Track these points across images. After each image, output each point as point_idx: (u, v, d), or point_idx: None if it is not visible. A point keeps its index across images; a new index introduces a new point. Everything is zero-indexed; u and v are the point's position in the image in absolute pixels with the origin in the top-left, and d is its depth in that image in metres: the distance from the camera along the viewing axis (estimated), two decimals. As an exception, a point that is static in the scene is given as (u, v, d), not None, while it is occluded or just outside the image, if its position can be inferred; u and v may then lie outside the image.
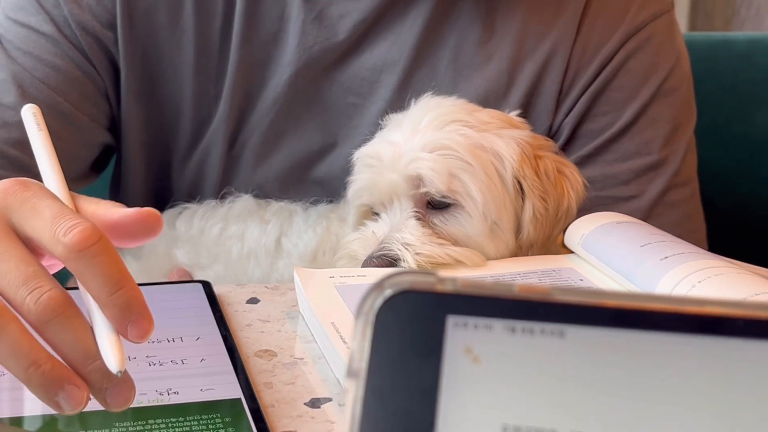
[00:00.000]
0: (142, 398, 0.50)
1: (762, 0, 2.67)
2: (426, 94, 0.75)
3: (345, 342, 0.54)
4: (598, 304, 0.25)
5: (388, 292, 0.25)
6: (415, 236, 0.68)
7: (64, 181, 0.48)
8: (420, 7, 0.82)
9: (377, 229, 0.70)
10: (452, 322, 0.25)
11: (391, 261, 0.68)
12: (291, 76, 0.83)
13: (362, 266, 0.68)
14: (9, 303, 0.42)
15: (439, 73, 0.83)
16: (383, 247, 0.68)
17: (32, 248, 0.44)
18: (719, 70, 1.16)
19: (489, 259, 0.70)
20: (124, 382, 0.42)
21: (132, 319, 0.42)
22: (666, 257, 0.60)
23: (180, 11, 0.82)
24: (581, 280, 0.66)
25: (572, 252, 0.70)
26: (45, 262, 0.45)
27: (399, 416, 0.24)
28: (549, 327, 0.25)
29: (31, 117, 0.50)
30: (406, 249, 0.68)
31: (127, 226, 0.45)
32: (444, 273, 0.25)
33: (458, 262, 0.68)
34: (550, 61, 0.83)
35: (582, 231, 0.68)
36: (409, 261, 0.67)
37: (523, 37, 0.83)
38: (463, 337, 0.25)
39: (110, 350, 0.42)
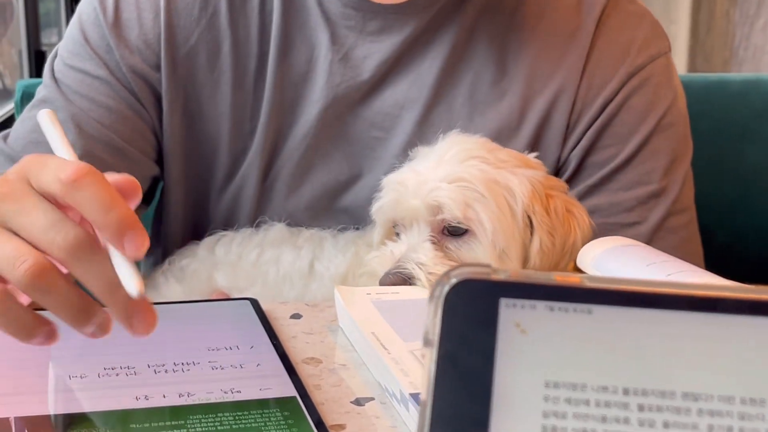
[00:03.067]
0: (210, 396, 0.56)
1: (759, 42, 2.73)
2: (453, 131, 0.83)
3: (385, 348, 0.61)
4: (618, 289, 0.32)
5: (453, 281, 0.32)
6: (429, 257, 0.75)
7: (73, 151, 0.53)
8: (438, 49, 0.89)
9: (395, 249, 0.77)
10: (504, 303, 0.32)
11: (406, 278, 0.75)
12: (320, 112, 0.89)
13: (380, 282, 0.75)
14: (40, 247, 0.47)
15: (456, 109, 0.89)
16: (399, 265, 0.75)
17: (54, 204, 0.49)
18: (714, 109, 1.21)
19: None
20: (146, 309, 0.47)
21: (127, 235, 0.46)
22: (670, 274, 0.67)
23: (218, 54, 0.89)
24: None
25: (584, 273, 0.77)
26: None
27: (464, 375, 0.31)
28: (580, 306, 0.32)
29: (47, 119, 0.55)
30: (420, 268, 0.75)
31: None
32: (496, 266, 0.32)
33: None
34: (558, 99, 0.89)
35: (593, 253, 0.75)
36: (422, 279, 0.74)
37: (532, 76, 0.89)
38: (513, 314, 0.32)
39: (128, 277, 0.47)
